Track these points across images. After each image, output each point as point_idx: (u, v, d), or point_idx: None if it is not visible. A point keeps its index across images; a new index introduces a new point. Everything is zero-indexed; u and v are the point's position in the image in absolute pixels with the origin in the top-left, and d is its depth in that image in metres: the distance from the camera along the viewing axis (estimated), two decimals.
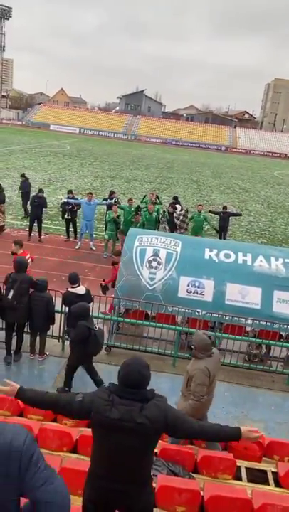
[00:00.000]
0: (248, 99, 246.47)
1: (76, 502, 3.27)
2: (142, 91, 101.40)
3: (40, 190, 13.79)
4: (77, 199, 14.06)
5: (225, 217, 14.59)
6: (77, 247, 13.49)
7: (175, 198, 16.01)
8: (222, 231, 14.77)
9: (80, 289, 7.14)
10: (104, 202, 14.08)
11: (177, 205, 14.17)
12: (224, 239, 14.57)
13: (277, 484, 4.46)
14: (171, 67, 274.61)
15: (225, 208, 15.08)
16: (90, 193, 13.67)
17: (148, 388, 2.72)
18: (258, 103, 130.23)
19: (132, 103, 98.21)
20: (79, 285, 7.19)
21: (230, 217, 15.47)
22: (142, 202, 14.61)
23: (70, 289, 7.14)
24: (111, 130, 79.42)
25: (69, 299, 6.97)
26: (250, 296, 7.83)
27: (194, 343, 4.93)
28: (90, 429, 2.91)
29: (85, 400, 2.70)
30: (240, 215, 17.19)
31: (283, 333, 8.13)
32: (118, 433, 2.61)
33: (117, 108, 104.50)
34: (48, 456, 2.34)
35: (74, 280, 7.15)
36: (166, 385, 7.03)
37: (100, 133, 77.26)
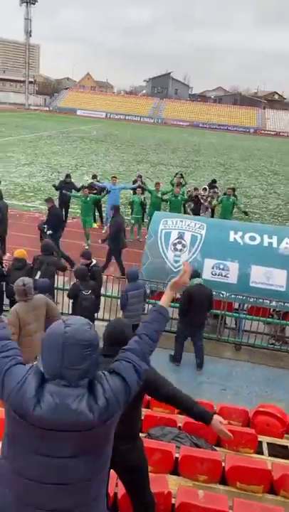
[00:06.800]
0: (277, 80, 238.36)
1: None
2: (169, 73, 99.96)
3: (68, 176, 13.98)
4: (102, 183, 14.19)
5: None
6: (103, 231, 13.63)
7: (213, 181, 15.96)
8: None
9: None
10: (129, 187, 14.15)
11: (202, 188, 14.18)
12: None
13: None
14: (205, 53, 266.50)
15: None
16: (114, 177, 13.71)
17: None
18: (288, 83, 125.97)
19: (158, 86, 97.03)
20: (92, 261, 7.58)
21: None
22: (170, 183, 14.64)
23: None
24: (137, 114, 78.95)
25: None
26: (275, 279, 7.85)
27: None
28: None
29: None
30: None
31: None
32: None
33: (144, 91, 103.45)
34: None
35: (88, 256, 7.57)
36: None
37: (127, 117, 76.92)
